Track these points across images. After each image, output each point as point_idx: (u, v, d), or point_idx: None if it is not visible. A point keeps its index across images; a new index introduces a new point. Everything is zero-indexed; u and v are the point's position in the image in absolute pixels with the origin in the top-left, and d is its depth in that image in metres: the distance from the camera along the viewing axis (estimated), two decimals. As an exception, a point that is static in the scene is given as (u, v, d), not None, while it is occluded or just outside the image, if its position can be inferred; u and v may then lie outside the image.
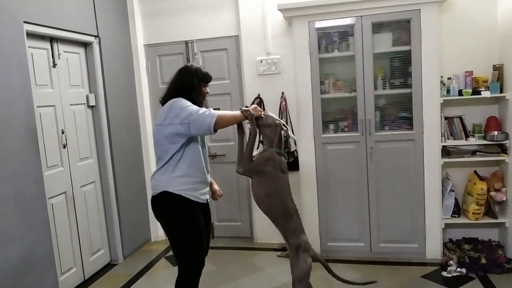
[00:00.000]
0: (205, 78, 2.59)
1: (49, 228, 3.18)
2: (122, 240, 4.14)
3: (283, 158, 2.64)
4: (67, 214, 3.55)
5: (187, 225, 2.48)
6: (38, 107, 3.18)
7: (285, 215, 2.58)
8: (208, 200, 2.70)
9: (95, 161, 3.96)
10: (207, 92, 2.63)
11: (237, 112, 2.53)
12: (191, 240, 2.48)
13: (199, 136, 2.53)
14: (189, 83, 2.52)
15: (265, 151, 2.60)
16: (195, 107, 2.39)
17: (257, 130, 2.58)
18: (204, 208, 2.61)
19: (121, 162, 4.15)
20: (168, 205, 2.48)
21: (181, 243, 2.50)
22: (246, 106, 2.60)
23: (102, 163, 4.00)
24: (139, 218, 4.44)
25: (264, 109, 4.18)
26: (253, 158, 2.57)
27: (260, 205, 2.61)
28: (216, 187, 2.88)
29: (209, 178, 2.69)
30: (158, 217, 2.54)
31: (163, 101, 2.54)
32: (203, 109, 2.38)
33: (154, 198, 2.51)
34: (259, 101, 4.20)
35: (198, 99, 2.54)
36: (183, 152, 2.46)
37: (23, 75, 2.99)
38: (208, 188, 2.67)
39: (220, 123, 2.38)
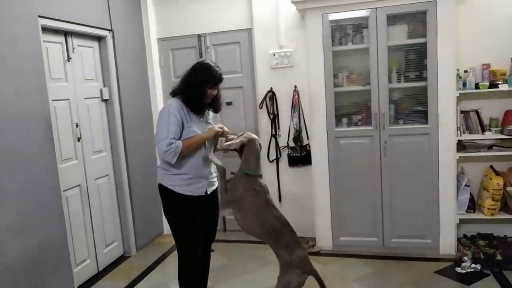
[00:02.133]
0: (210, 81, 2.52)
1: (64, 220, 3.23)
2: (135, 233, 4.18)
3: (253, 177, 2.49)
4: (81, 206, 3.59)
5: (179, 217, 2.57)
6: (53, 100, 3.21)
7: (271, 234, 2.46)
8: (209, 192, 2.67)
9: (108, 154, 4.00)
10: (213, 94, 2.57)
11: (202, 136, 2.53)
12: (184, 233, 2.57)
13: (183, 122, 2.51)
14: (192, 86, 2.51)
15: (232, 177, 2.52)
16: (162, 136, 2.43)
17: (223, 167, 2.55)
18: (204, 200, 2.63)
19: (134, 155, 4.18)
20: (163, 197, 2.63)
21: (175, 235, 2.62)
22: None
23: (116, 156, 4.04)
24: (152, 210, 4.48)
25: (276, 103, 4.18)
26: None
27: (245, 231, 2.52)
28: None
29: (213, 164, 2.67)
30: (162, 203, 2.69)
31: (172, 94, 2.61)
32: (164, 145, 2.41)
33: (158, 187, 2.66)
34: (271, 94, 4.19)
35: (197, 103, 2.53)
36: None
37: (38, 69, 3.02)
38: (207, 180, 2.64)
39: (184, 153, 2.47)
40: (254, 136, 2.56)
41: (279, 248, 2.46)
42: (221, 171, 2.54)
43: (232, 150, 2.53)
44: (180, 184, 2.53)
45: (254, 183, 2.48)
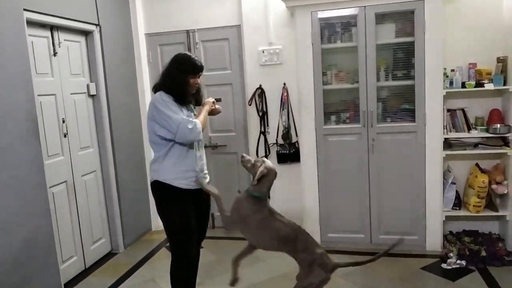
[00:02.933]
0: (192, 70, 2.53)
1: (50, 216, 3.19)
2: (123, 229, 4.15)
3: (258, 199, 2.40)
4: (68, 203, 3.55)
5: (175, 214, 2.57)
6: (38, 95, 3.16)
7: (286, 243, 2.39)
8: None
9: (95, 150, 3.96)
10: (197, 83, 2.59)
11: (205, 109, 2.67)
12: (179, 229, 2.57)
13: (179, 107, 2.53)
14: (172, 76, 2.52)
15: (236, 198, 2.47)
16: (177, 119, 2.40)
17: (217, 192, 2.54)
18: (198, 194, 2.64)
19: (121, 151, 4.15)
20: (158, 194, 2.60)
21: (170, 230, 2.62)
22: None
23: (103, 152, 4.00)
24: (140, 207, 4.45)
25: (265, 100, 4.18)
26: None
27: (261, 248, 2.49)
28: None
29: (203, 160, 2.70)
30: (155, 201, 2.67)
31: (154, 90, 2.61)
32: (187, 124, 2.41)
33: (150, 185, 2.65)
34: (260, 92, 4.18)
35: (181, 93, 2.53)
36: (173, 144, 2.51)
37: (23, 64, 2.97)
38: (202, 173, 2.66)
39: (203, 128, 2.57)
40: (272, 166, 2.46)
41: (298, 253, 2.40)
42: (217, 198, 2.52)
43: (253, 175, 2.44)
44: (178, 178, 2.53)
45: (257, 202, 2.40)
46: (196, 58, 2.58)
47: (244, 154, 2.55)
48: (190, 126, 2.41)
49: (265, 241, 2.44)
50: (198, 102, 2.73)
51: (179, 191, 2.54)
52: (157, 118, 2.45)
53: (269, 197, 2.48)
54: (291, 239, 2.38)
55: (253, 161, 2.46)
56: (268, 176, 2.41)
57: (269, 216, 2.40)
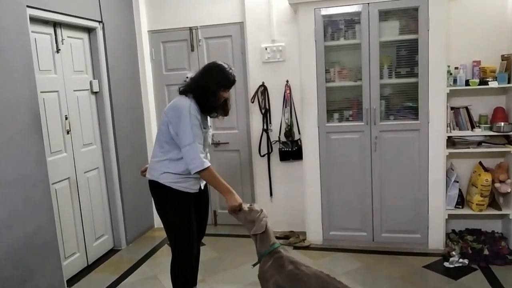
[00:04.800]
0: (224, 84, 2.51)
1: (53, 213, 3.20)
2: (125, 226, 4.16)
3: (272, 253, 2.30)
4: (71, 199, 3.56)
5: (175, 215, 2.56)
6: (41, 92, 3.17)
7: None
8: (202, 187, 2.71)
9: (98, 147, 3.97)
10: (225, 97, 2.58)
11: (227, 191, 2.45)
12: (179, 229, 2.57)
13: (201, 124, 2.52)
14: (205, 87, 2.47)
15: (258, 275, 2.33)
16: (189, 139, 2.38)
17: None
18: (198, 195, 2.64)
19: (124, 148, 4.15)
20: (157, 194, 2.59)
21: (170, 230, 2.61)
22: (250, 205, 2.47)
23: (106, 149, 4.01)
24: (142, 204, 4.46)
25: (268, 98, 4.17)
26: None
27: None
28: None
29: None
30: (153, 199, 2.66)
31: (181, 92, 2.55)
32: (194, 152, 2.38)
33: (149, 182, 2.63)
34: (263, 89, 4.18)
35: (210, 105, 2.52)
36: (180, 152, 2.49)
37: (26, 60, 2.97)
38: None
39: (205, 176, 2.46)
40: (258, 214, 2.37)
41: None
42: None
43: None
44: (178, 181, 2.52)
45: (274, 255, 2.29)
46: (230, 71, 2.52)
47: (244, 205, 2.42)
48: (195, 155, 2.38)
49: None
50: (226, 113, 2.70)
51: (180, 192, 2.53)
52: (176, 124, 2.42)
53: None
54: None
55: (247, 210, 2.39)
56: (258, 225, 2.34)
57: (294, 269, 2.23)
